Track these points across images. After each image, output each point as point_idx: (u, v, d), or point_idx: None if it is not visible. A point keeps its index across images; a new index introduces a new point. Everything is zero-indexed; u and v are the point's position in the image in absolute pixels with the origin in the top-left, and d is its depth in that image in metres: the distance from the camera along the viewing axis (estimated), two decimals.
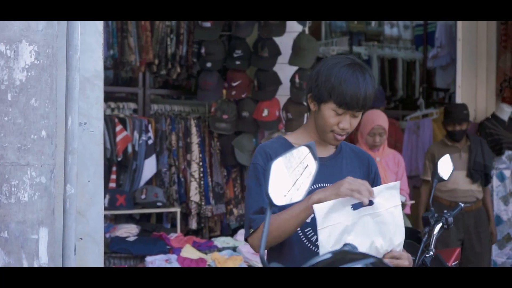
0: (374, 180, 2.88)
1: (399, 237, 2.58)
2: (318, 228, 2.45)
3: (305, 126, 2.86)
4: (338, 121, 2.69)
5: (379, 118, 5.58)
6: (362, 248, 2.46)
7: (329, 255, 1.85)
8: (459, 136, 6.31)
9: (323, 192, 2.51)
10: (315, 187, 2.72)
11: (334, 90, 2.65)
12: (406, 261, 2.59)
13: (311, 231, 2.72)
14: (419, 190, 6.62)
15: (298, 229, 2.69)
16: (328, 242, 2.46)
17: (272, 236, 2.60)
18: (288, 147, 2.73)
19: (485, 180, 6.40)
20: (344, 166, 2.83)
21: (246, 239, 2.74)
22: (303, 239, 2.73)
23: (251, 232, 2.66)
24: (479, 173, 6.32)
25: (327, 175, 2.75)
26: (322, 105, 2.70)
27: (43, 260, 2.99)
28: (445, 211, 3.79)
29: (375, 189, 2.52)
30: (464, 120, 6.30)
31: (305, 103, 6.76)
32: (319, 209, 2.46)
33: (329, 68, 2.70)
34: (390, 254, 2.56)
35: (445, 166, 3.69)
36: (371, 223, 2.53)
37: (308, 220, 2.67)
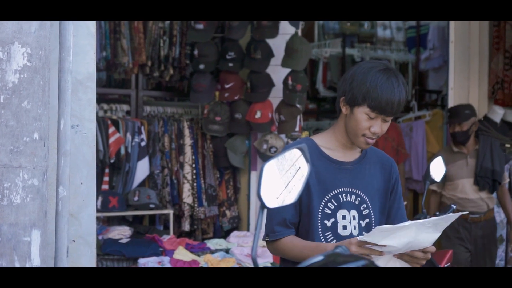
0: (394, 186, 2.90)
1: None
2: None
3: (333, 129, 2.86)
4: (370, 125, 2.72)
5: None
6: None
7: (320, 258, 1.85)
8: (460, 138, 6.01)
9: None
10: (339, 191, 2.79)
11: (369, 94, 2.68)
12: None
13: (331, 235, 2.76)
14: (412, 192, 6.62)
15: (320, 232, 2.75)
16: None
17: (285, 256, 2.78)
18: (316, 150, 2.76)
19: (493, 187, 6.05)
20: (367, 171, 2.85)
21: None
22: (323, 241, 2.77)
23: (266, 239, 2.77)
24: (486, 179, 6.00)
25: (350, 179, 2.80)
26: (355, 108, 2.72)
27: (35, 262, 2.98)
28: (437, 212, 3.81)
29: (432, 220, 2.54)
30: (464, 120, 6.00)
31: (298, 105, 6.81)
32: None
33: (364, 73, 2.72)
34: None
35: (437, 167, 3.70)
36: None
37: (329, 224, 2.71)
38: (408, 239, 2.52)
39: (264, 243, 6.36)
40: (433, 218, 2.53)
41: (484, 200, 6.02)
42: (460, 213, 2.68)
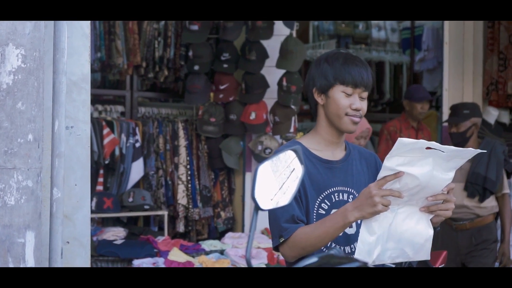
0: None
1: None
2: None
3: (316, 129, 2.87)
4: (350, 103, 2.74)
5: (365, 122, 5.50)
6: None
7: (315, 259, 1.86)
8: (456, 139, 5.56)
9: (360, 212, 2.52)
10: (331, 190, 2.78)
11: (338, 71, 2.75)
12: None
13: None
14: None
15: None
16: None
17: (304, 250, 2.65)
18: (305, 152, 2.75)
19: (483, 195, 5.48)
20: (354, 168, 2.86)
21: (275, 248, 2.75)
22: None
23: (281, 241, 2.68)
24: (476, 187, 5.46)
25: (342, 178, 2.81)
26: (330, 91, 2.76)
27: (29, 263, 2.98)
28: None
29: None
30: (461, 120, 5.56)
31: (293, 106, 6.81)
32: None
33: (327, 58, 2.81)
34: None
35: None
36: None
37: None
38: (426, 169, 2.47)
39: (259, 244, 6.32)
40: (449, 146, 2.47)
41: (469, 208, 5.51)
42: (477, 150, 2.53)
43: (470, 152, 2.53)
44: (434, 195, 2.54)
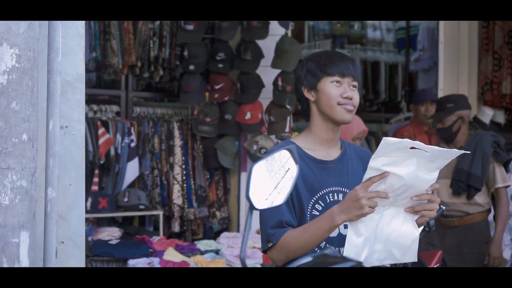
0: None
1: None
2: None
3: (309, 128, 2.87)
4: (340, 92, 2.76)
5: (362, 124, 5.45)
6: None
7: (309, 259, 1.86)
8: (443, 135, 5.31)
9: (346, 215, 2.52)
10: (326, 191, 2.77)
11: (324, 63, 2.79)
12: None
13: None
14: None
15: None
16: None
17: (292, 253, 2.64)
18: (299, 152, 2.74)
19: (469, 193, 5.16)
20: (350, 168, 2.85)
21: (264, 252, 2.75)
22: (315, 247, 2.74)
23: (269, 246, 2.68)
24: (460, 183, 5.17)
25: (337, 178, 2.79)
26: (319, 84, 2.78)
27: (24, 263, 2.98)
28: None
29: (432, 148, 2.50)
30: (445, 115, 5.27)
31: (288, 106, 6.81)
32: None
33: (310, 57, 2.88)
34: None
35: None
36: None
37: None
38: (411, 169, 2.48)
39: (254, 244, 6.30)
40: (433, 146, 2.48)
41: (457, 205, 5.21)
42: (461, 151, 2.54)
43: (453, 152, 2.53)
44: (418, 195, 2.55)
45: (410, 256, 2.64)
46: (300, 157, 2.73)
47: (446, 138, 5.32)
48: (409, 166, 2.47)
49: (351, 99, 2.77)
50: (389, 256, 2.60)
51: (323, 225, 2.57)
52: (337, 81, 2.77)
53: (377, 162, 2.46)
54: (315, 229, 2.59)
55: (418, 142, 2.46)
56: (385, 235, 2.58)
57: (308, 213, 2.73)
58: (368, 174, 2.49)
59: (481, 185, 5.16)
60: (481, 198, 5.23)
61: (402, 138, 2.51)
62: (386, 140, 2.42)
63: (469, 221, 5.21)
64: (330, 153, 2.83)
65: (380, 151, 2.45)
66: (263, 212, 2.66)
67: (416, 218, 2.61)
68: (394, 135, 6.77)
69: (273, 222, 2.67)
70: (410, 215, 2.59)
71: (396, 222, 2.59)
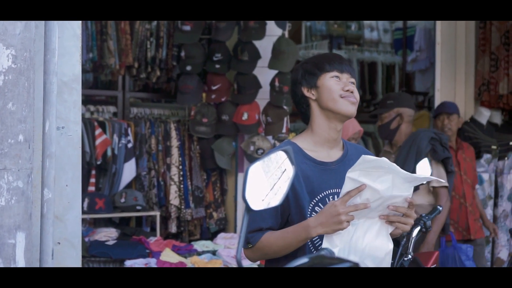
0: None
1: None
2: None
3: (310, 128, 2.85)
4: (341, 87, 2.78)
5: (357, 124, 5.41)
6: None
7: (305, 260, 1.85)
8: (381, 133, 5.21)
9: (324, 228, 2.55)
10: (326, 193, 2.76)
11: (321, 61, 2.82)
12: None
13: (318, 239, 2.73)
14: None
15: None
16: None
17: (267, 256, 2.74)
18: (300, 153, 2.74)
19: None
20: None
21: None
22: (311, 247, 2.75)
23: (249, 246, 2.73)
24: None
25: (337, 180, 2.75)
26: (319, 81, 2.80)
27: (20, 264, 2.97)
28: (423, 214, 3.80)
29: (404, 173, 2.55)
30: (382, 111, 5.15)
31: (285, 107, 6.81)
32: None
33: (306, 59, 2.93)
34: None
35: (423, 169, 3.70)
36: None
37: None
38: (386, 185, 2.51)
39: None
40: (408, 173, 2.53)
41: None
42: (434, 178, 2.67)
43: (427, 178, 2.67)
44: (395, 206, 2.58)
45: None
46: (301, 158, 2.72)
47: (385, 136, 5.22)
48: (385, 182, 2.51)
49: (352, 92, 2.77)
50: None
51: (299, 236, 2.62)
52: (336, 77, 2.79)
53: (354, 174, 2.50)
54: (290, 238, 2.64)
55: (394, 165, 2.50)
56: (359, 247, 2.60)
57: (308, 215, 2.71)
58: (346, 187, 2.52)
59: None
60: (420, 198, 5.10)
61: None
62: (364, 158, 2.48)
63: None
64: (331, 154, 2.82)
65: (357, 167, 2.49)
66: (247, 214, 2.66)
67: (391, 231, 2.63)
68: None
69: (252, 227, 2.70)
70: (385, 227, 2.62)
71: (371, 235, 2.62)
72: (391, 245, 2.64)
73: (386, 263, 2.64)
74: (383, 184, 2.51)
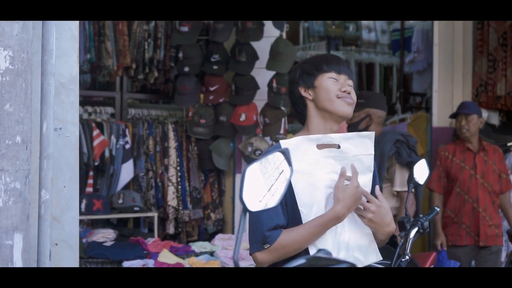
0: (373, 178, 2.87)
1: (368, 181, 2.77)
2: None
3: (307, 128, 2.86)
4: (338, 87, 2.79)
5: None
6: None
7: (303, 261, 1.85)
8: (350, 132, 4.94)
9: (349, 211, 2.68)
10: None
11: (319, 62, 2.83)
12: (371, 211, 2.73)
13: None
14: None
15: None
16: None
17: (286, 255, 2.67)
18: None
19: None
20: None
21: (252, 254, 2.73)
22: None
23: (265, 247, 2.67)
24: None
25: None
26: (316, 81, 2.81)
27: (17, 266, 2.97)
28: (421, 215, 3.80)
29: (345, 134, 2.73)
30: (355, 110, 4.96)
31: (283, 108, 6.81)
32: (285, 144, 2.62)
33: (304, 60, 2.94)
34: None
35: (421, 170, 3.70)
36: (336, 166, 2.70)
37: None
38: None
39: (248, 245, 6.29)
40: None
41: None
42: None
43: (370, 134, 2.76)
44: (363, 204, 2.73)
45: (373, 256, 2.71)
46: None
47: None
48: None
49: (349, 93, 2.78)
50: (355, 261, 2.65)
51: (327, 226, 2.65)
52: (334, 78, 2.80)
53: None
54: (319, 231, 2.65)
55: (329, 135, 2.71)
56: (345, 241, 2.67)
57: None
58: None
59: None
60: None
61: (439, 158, 2.59)
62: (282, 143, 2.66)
63: None
64: None
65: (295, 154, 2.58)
66: (259, 214, 2.61)
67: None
68: (437, 157, 6.25)
69: (270, 225, 2.67)
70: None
71: (350, 226, 2.70)
72: (369, 230, 2.74)
73: (374, 250, 2.69)
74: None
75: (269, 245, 2.66)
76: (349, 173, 2.69)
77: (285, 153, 2.12)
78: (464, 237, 5.95)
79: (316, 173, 2.67)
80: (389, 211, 2.78)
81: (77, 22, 3.63)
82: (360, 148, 2.71)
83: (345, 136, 2.72)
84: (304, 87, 2.83)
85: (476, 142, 6.08)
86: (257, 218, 2.67)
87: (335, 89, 2.78)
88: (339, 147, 2.71)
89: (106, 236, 6.41)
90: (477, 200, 5.96)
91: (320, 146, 2.70)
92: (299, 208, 2.67)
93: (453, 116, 6.29)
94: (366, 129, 4.87)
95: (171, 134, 7.27)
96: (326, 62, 2.83)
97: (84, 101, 7.24)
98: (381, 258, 2.73)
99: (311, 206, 2.66)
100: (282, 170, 2.14)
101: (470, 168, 5.99)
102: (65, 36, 3.59)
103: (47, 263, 3.31)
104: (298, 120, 2.93)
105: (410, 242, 3.64)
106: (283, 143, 2.62)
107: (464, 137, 6.08)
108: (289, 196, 2.70)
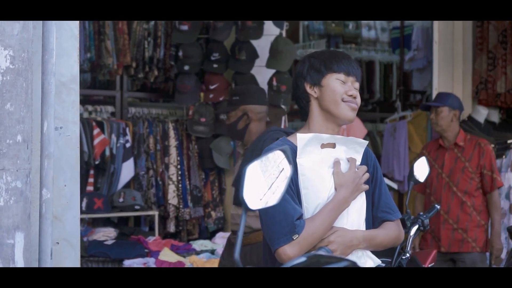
0: (374, 173, 2.87)
1: None
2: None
3: (308, 126, 2.84)
4: (345, 90, 2.76)
5: (363, 127, 5.33)
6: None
7: (303, 259, 1.86)
8: (230, 132, 4.53)
9: (354, 194, 2.74)
10: None
11: (329, 61, 2.79)
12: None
13: None
14: (397, 192, 6.58)
15: None
16: None
17: (312, 246, 2.60)
18: (295, 153, 2.72)
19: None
20: None
21: (279, 248, 2.60)
22: None
23: (294, 238, 2.58)
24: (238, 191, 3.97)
25: None
26: (324, 81, 2.78)
27: (19, 265, 2.97)
28: (421, 213, 3.81)
29: (342, 137, 2.78)
30: (229, 109, 4.43)
31: (283, 106, 6.81)
32: (301, 139, 2.68)
33: (312, 55, 2.88)
34: None
35: (421, 168, 3.71)
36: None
37: None
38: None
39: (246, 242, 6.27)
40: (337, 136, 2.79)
41: (236, 218, 4.31)
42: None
43: (364, 143, 2.80)
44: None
45: (373, 257, 2.76)
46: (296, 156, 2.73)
47: (234, 137, 4.58)
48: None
49: (355, 97, 2.76)
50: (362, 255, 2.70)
51: (339, 211, 2.68)
52: (342, 80, 2.77)
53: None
54: (334, 216, 2.67)
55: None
56: (343, 225, 2.72)
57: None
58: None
59: None
60: None
61: (421, 155, 2.61)
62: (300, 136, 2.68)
63: (256, 239, 3.95)
64: None
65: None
66: (284, 204, 2.56)
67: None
68: (419, 155, 5.58)
69: (297, 214, 2.62)
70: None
71: (356, 211, 2.78)
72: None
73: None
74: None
75: (297, 235, 2.57)
76: (344, 163, 2.73)
77: (285, 152, 2.13)
78: (429, 242, 5.48)
79: (321, 171, 2.69)
80: (354, 231, 2.71)
81: (77, 21, 3.63)
82: (349, 153, 2.78)
83: (343, 139, 2.78)
84: (310, 83, 2.80)
85: (452, 137, 5.49)
86: (283, 209, 2.57)
87: (342, 92, 2.75)
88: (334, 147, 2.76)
89: (107, 234, 6.42)
90: (440, 201, 5.41)
91: (321, 145, 2.72)
92: (304, 204, 2.68)
93: (424, 108, 5.88)
94: (245, 128, 4.36)
95: (171, 133, 7.27)
96: (336, 61, 2.78)
97: (84, 100, 7.24)
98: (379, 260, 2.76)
99: (315, 200, 2.67)
100: (282, 169, 2.15)
101: (439, 167, 5.49)
102: (66, 36, 3.60)
103: (48, 262, 3.32)
104: (300, 115, 2.93)
105: (411, 239, 3.65)
106: (299, 137, 2.65)
107: (437, 132, 5.62)
108: (295, 189, 2.69)
